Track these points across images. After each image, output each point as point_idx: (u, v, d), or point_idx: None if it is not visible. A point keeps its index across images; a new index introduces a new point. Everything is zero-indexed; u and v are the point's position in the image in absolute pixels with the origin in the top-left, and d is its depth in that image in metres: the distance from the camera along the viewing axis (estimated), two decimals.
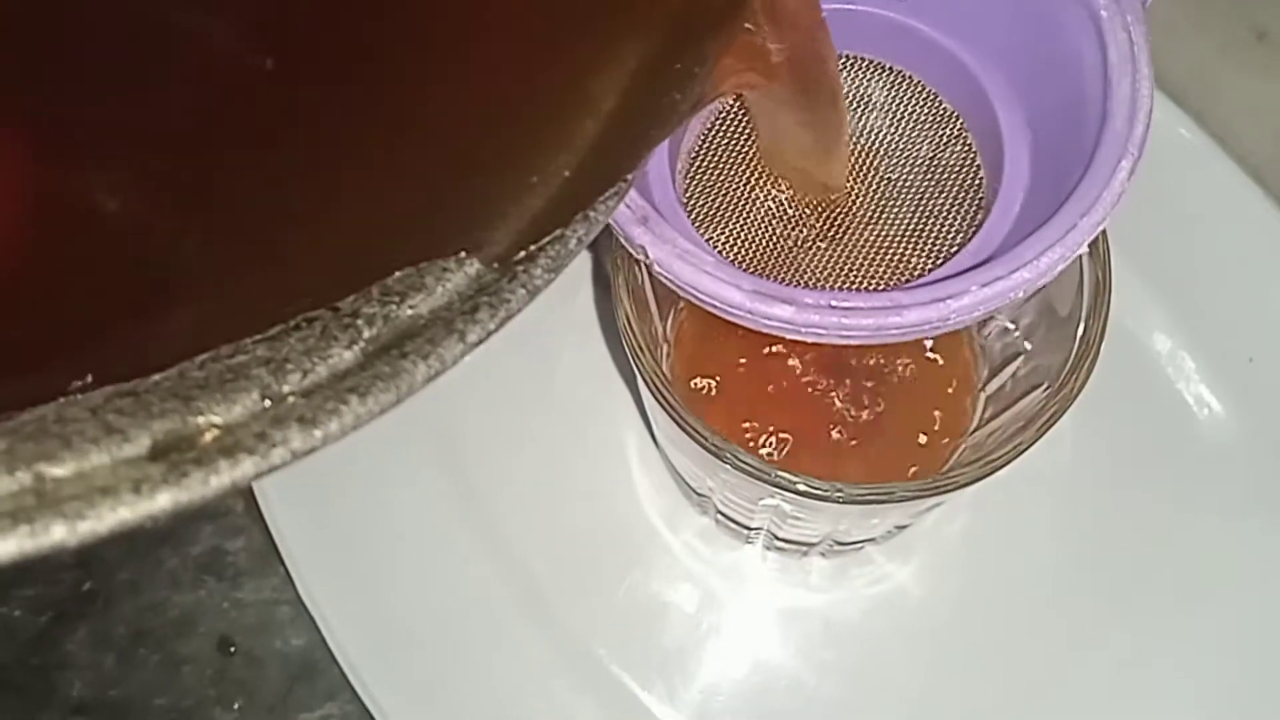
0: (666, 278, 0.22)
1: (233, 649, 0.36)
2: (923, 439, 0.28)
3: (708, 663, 0.34)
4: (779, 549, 0.34)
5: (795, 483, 0.23)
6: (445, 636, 0.34)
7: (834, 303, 0.21)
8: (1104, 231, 0.24)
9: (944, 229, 0.26)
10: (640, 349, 0.24)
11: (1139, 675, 0.33)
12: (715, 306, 0.22)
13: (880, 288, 0.26)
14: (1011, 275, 0.22)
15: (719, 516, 0.33)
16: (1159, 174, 0.35)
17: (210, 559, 0.37)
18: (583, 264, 0.37)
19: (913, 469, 0.28)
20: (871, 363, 0.29)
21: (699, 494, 0.33)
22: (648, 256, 0.22)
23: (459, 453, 0.36)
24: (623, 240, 0.22)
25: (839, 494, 0.23)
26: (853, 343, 0.22)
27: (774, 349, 0.28)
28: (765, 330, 0.22)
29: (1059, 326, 0.25)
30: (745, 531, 0.33)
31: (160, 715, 0.35)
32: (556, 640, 0.34)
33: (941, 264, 0.26)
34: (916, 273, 0.26)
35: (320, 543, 0.35)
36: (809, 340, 0.22)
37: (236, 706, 0.35)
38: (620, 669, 0.34)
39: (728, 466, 0.23)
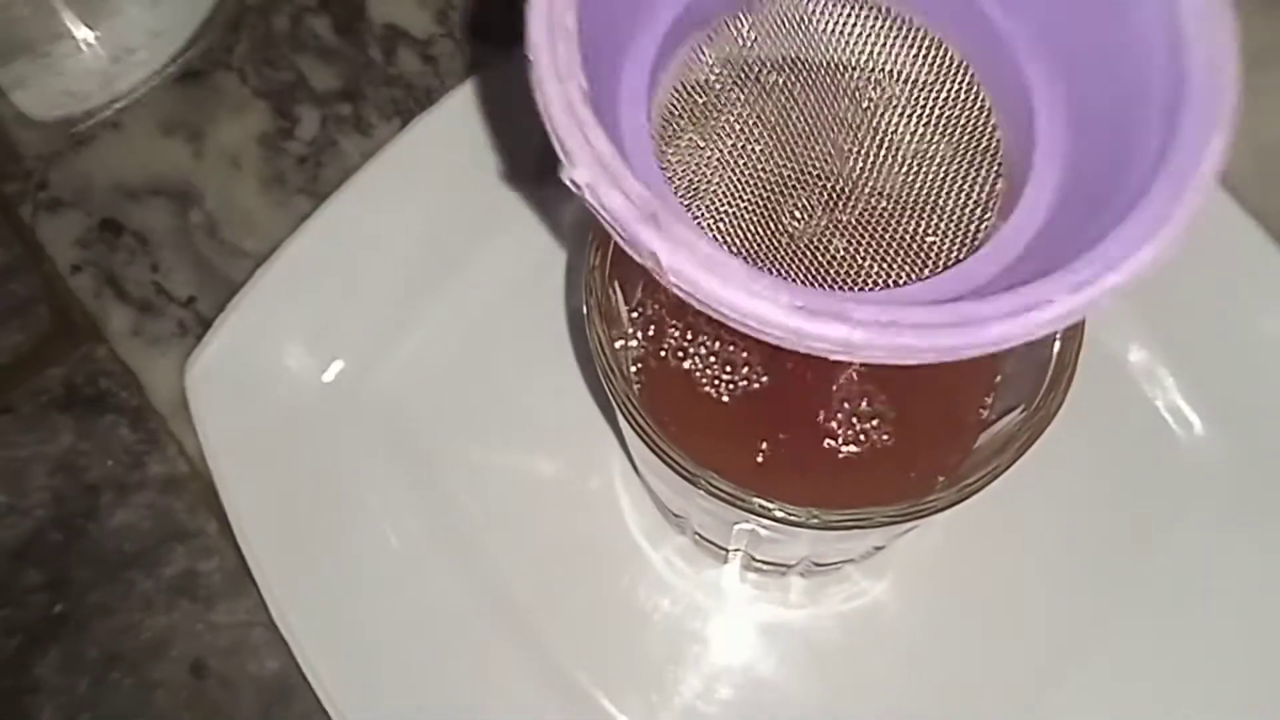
0: (683, 291, 0.18)
1: (206, 672, 0.35)
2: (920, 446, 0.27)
3: (686, 680, 0.34)
4: (757, 569, 0.34)
5: (770, 509, 0.23)
6: (420, 658, 0.34)
7: (897, 319, 0.17)
8: None
9: (963, 200, 0.23)
10: (613, 373, 0.24)
11: (1117, 688, 0.33)
12: (748, 325, 0.18)
13: (901, 275, 0.22)
14: (1100, 280, 0.18)
15: (697, 537, 0.33)
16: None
17: (183, 581, 0.36)
18: (557, 284, 0.36)
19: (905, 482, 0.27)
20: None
21: (676, 515, 0.32)
22: (659, 265, 0.18)
23: (433, 472, 0.35)
24: (626, 246, 0.19)
25: (814, 520, 0.23)
26: (918, 363, 0.18)
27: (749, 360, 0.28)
28: (810, 352, 0.18)
29: (1034, 347, 0.25)
30: (723, 552, 0.33)
31: None
32: (534, 660, 0.33)
33: (970, 245, 0.22)
34: (938, 256, 0.22)
35: (294, 565, 0.34)
36: (863, 362, 0.19)
37: None
38: (598, 689, 0.33)
39: (702, 491, 0.23)
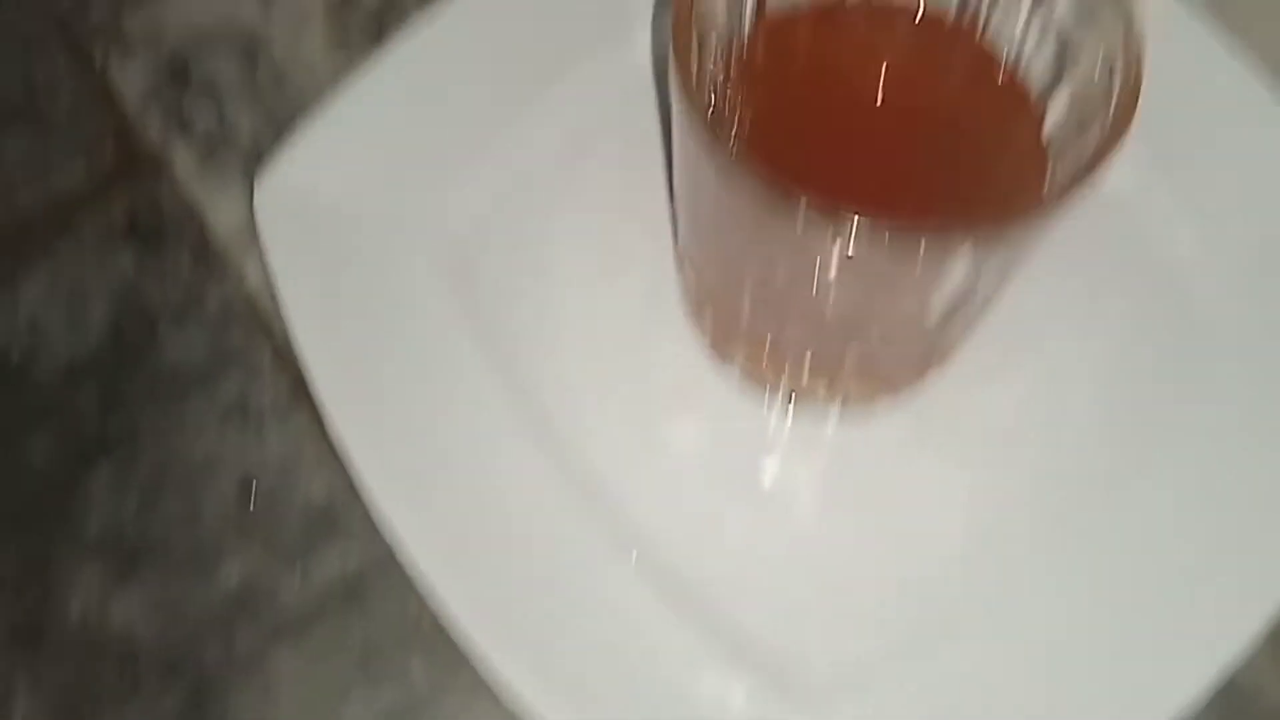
0: None
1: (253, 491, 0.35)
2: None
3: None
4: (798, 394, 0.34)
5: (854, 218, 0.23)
6: (469, 477, 0.34)
7: None
8: None
9: None
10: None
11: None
12: None
13: None
14: None
15: (744, 364, 0.34)
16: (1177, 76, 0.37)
17: (237, 403, 0.36)
18: (634, 120, 0.37)
19: None
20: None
21: (724, 322, 0.33)
22: None
23: (495, 305, 0.36)
24: None
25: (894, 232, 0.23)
26: None
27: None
28: None
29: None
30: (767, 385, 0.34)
31: None
32: (571, 477, 0.34)
33: None
34: None
35: (351, 385, 0.34)
36: None
37: None
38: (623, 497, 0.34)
39: (783, 222, 0.24)
